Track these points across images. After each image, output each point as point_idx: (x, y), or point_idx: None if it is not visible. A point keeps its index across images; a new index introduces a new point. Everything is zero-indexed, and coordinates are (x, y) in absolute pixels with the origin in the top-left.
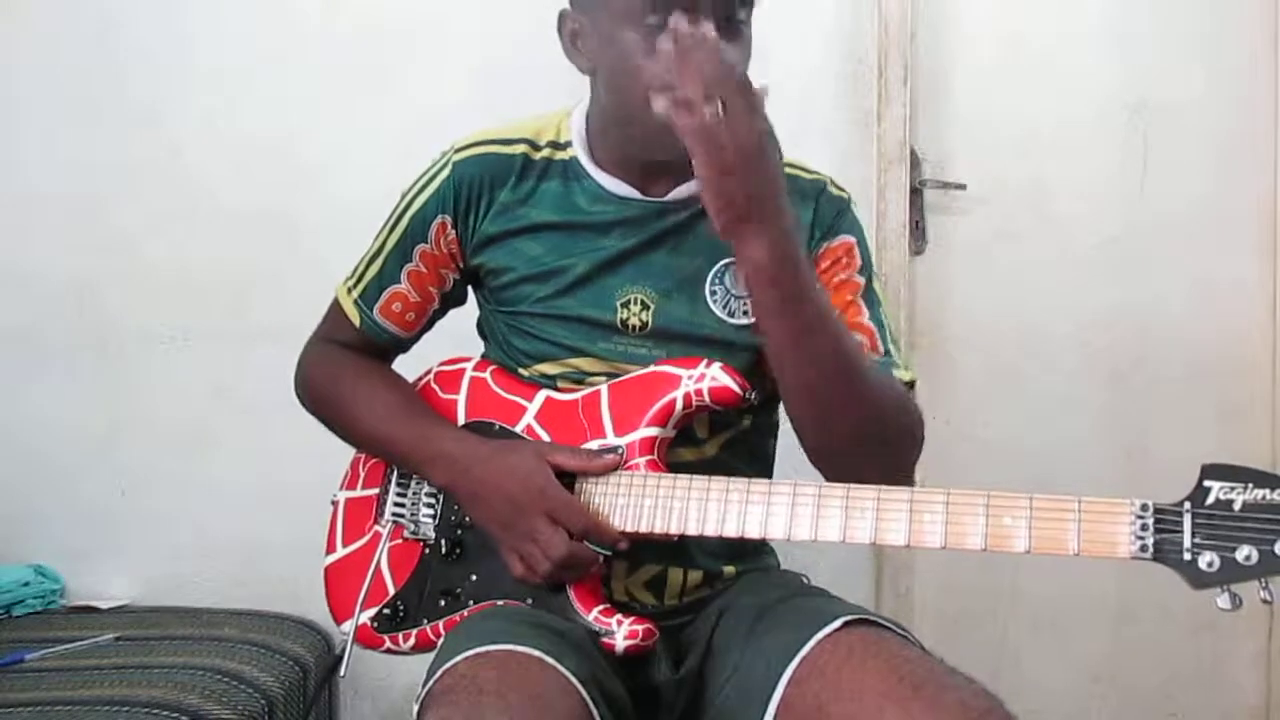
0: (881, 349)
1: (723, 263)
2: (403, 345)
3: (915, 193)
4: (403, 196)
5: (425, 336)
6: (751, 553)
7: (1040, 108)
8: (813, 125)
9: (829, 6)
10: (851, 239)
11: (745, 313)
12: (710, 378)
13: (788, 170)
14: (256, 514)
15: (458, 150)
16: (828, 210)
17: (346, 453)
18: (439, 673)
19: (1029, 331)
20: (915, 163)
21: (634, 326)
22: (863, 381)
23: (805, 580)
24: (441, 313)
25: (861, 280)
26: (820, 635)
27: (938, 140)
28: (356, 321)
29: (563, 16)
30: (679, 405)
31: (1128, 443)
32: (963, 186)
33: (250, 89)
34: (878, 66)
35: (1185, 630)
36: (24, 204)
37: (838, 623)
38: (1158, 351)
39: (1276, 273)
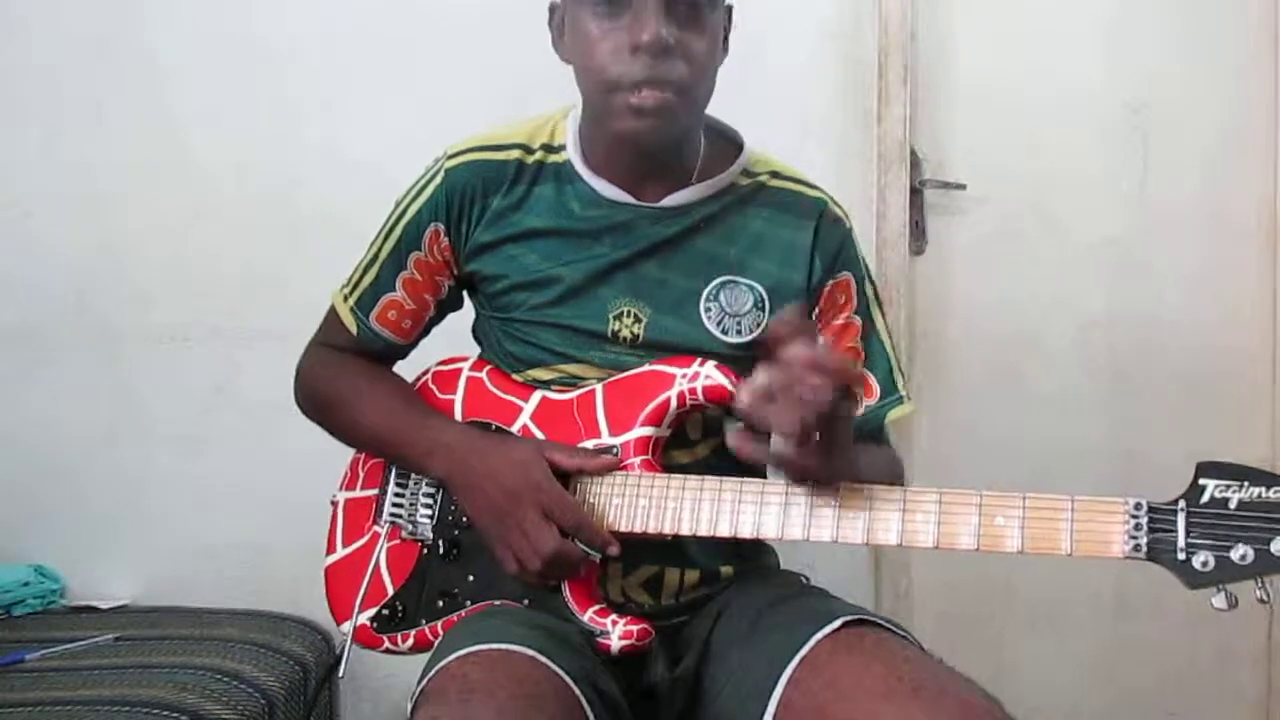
0: (878, 392)
1: (717, 281)
2: (400, 352)
3: (915, 193)
4: (397, 204)
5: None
6: (750, 553)
7: (1040, 108)
8: (813, 125)
9: (829, 7)
10: (850, 276)
11: (739, 331)
12: (704, 376)
13: (787, 185)
14: (256, 514)
15: (450, 157)
16: (830, 239)
17: (346, 452)
18: (432, 672)
19: (1029, 331)
20: (915, 163)
21: (626, 338)
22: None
23: (805, 580)
24: (438, 319)
25: (859, 320)
26: (820, 635)
27: (938, 140)
28: (354, 330)
29: (551, 8)
30: (673, 404)
31: (1127, 443)
32: (963, 186)
33: (251, 89)
34: (878, 66)
35: (1184, 627)
36: (24, 204)
37: (837, 623)
38: (1158, 351)
39: (1276, 273)
